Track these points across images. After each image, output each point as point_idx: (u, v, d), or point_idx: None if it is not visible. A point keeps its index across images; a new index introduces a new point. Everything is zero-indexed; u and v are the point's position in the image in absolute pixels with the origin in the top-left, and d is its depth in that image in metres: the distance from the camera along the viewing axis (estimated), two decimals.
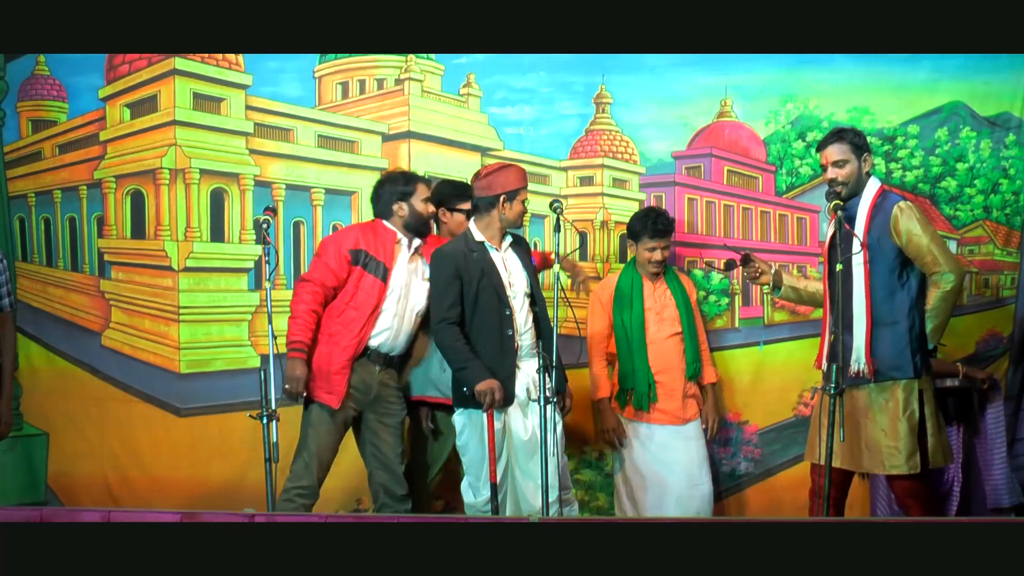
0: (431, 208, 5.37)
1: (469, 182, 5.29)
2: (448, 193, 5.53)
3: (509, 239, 5.18)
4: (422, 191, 5.34)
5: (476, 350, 5.03)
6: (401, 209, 5.29)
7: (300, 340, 5.12)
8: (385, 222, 5.35)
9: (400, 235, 5.28)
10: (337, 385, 5.16)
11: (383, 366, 5.28)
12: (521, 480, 5.05)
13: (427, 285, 5.27)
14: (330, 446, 5.23)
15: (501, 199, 5.08)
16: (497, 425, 5.02)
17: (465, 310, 5.08)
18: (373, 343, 5.21)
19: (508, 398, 5.03)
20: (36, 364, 6.35)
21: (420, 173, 5.62)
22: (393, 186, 5.35)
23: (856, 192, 4.92)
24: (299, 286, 5.25)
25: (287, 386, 5.08)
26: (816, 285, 5.33)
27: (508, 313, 5.05)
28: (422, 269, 5.32)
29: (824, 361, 4.91)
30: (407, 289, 5.28)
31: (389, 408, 5.31)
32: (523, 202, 5.12)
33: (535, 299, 5.18)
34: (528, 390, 5.03)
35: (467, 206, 5.40)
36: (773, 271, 5.31)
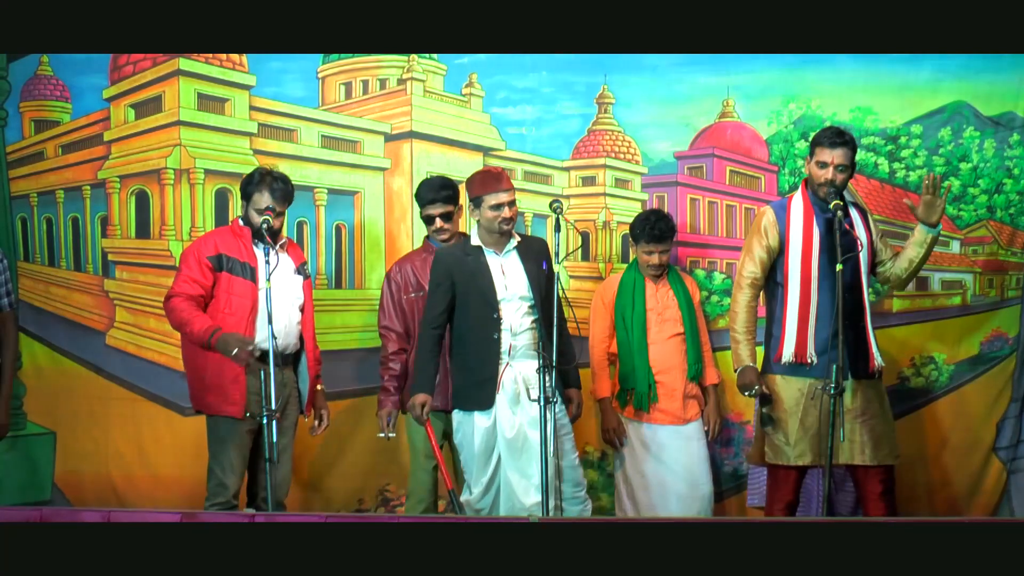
0: (271, 220, 5.10)
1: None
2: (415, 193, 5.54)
3: (514, 241, 5.17)
4: (259, 200, 5.16)
5: (460, 351, 5.12)
6: (243, 209, 5.23)
7: (208, 325, 5.05)
8: (241, 221, 5.28)
9: (253, 234, 5.18)
10: (234, 394, 5.08)
11: (280, 366, 5.13)
12: (510, 477, 5.05)
13: (300, 278, 5.29)
14: (241, 456, 5.17)
15: (469, 206, 5.16)
16: (487, 423, 5.05)
17: (457, 311, 5.13)
18: (263, 345, 5.07)
19: (489, 399, 5.05)
20: (41, 363, 6.36)
21: (427, 174, 5.57)
22: (244, 185, 5.27)
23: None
24: (168, 304, 5.16)
25: (236, 351, 4.99)
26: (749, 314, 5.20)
27: (496, 316, 5.06)
28: (289, 262, 5.26)
29: (812, 355, 4.97)
30: (284, 283, 5.17)
31: (285, 411, 5.20)
32: (493, 207, 5.05)
33: (537, 302, 5.15)
34: (527, 391, 5.03)
35: (428, 211, 5.38)
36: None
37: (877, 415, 5.00)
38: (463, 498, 5.14)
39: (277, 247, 5.17)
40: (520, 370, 5.08)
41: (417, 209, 5.60)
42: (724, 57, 5.88)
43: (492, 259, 5.15)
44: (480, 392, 5.07)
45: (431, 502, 5.45)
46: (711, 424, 5.71)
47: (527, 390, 5.04)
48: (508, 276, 5.13)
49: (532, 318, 5.11)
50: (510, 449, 5.03)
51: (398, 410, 5.37)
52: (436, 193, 5.39)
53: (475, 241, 5.17)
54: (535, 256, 5.20)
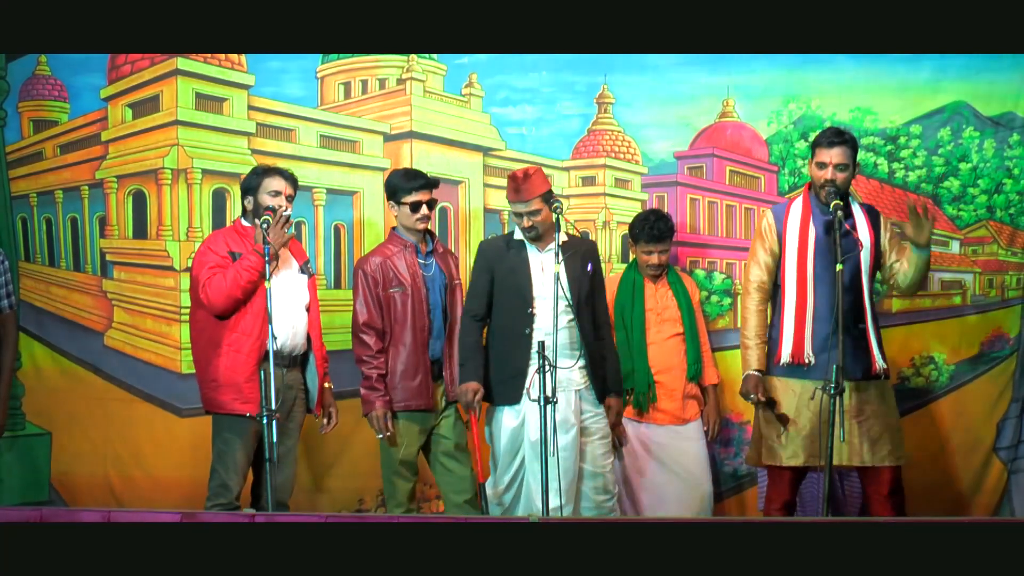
0: (284, 203, 5.10)
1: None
2: (390, 184, 5.37)
3: (559, 239, 5.05)
4: (269, 183, 5.11)
5: (493, 343, 5.11)
6: (250, 203, 5.16)
7: (246, 256, 4.98)
8: (243, 220, 5.22)
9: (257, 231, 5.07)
10: (250, 392, 4.99)
11: (287, 367, 5.15)
12: (531, 480, 5.03)
13: (304, 277, 5.24)
14: (247, 457, 5.13)
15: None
16: (515, 423, 5.03)
17: (494, 304, 5.14)
18: (275, 345, 4.92)
19: (516, 395, 5.04)
20: (40, 364, 6.35)
21: (425, 170, 5.48)
22: (246, 181, 5.22)
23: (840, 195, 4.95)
24: (205, 291, 5.01)
25: (275, 229, 4.93)
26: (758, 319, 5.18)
27: (530, 312, 5.01)
28: (292, 260, 5.22)
29: (809, 355, 4.96)
30: (288, 283, 5.15)
31: (291, 412, 5.18)
32: (515, 215, 5.08)
33: (578, 305, 5.08)
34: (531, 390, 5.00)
35: (416, 197, 5.24)
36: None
37: (877, 416, 4.98)
38: (488, 492, 5.12)
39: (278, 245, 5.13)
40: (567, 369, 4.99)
41: None
42: (724, 57, 5.88)
43: (533, 255, 5.11)
44: (509, 387, 5.06)
45: (409, 507, 5.32)
46: (710, 424, 5.72)
47: (554, 391, 4.99)
48: (547, 273, 5.05)
49: (568, 317, 5.05)
50: (534, 452, 4.97)
51: (389, 408, 5.20)
52: (426, 179, 5.28)
53: (519, 235, 5.15)
54: (581, 256, 5.13)
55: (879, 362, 4.96)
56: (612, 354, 5.29)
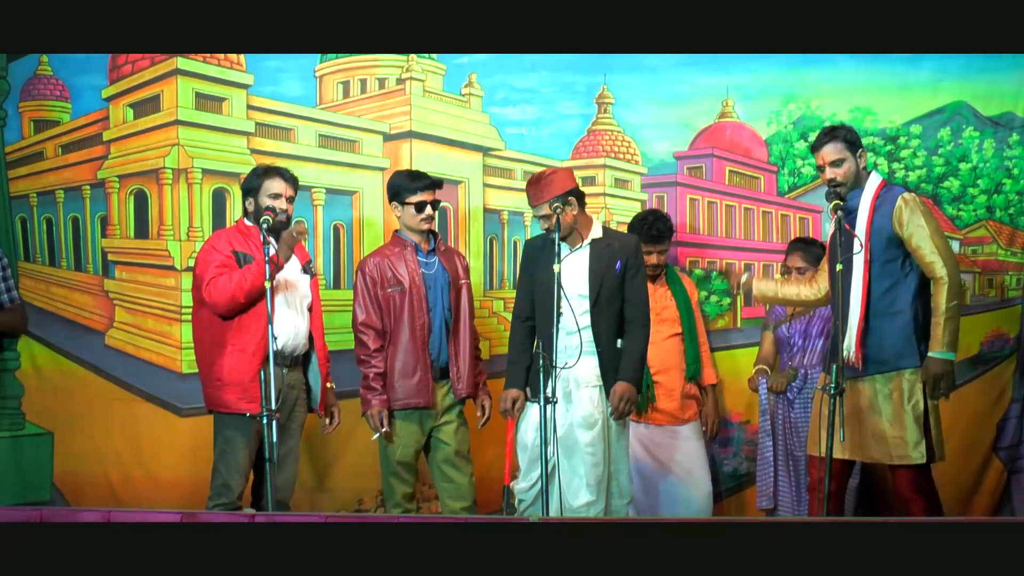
0: (284, 205, 5.10)
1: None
2: (394, 185, 5.33)
3: (594, 236, 5.05)
4: (270, 186, 5.11)
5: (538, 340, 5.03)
6: (251, 205, 5.15)
7: (253, 262, 4.98)
8: (246, 220, 5.21)
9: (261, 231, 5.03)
10: (255, 391, 4.91)
11: (289, 368, 5.16)
12: (560, 477, 4.98)
13: (307, 276, 5.26)
14: (249, 457, 5.12)
15: None
16: (539, 418, 4.86)
17: (535, 302, 5.10)
18: (276, 345, 4.85)
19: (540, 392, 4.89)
20: (40, 363, 6.35)
21: (426, 170, 5.47)
22: (247, 182, 5.21)
23: (855, 188, 4.88)
24: (209, 288, 5.00)
25: (293, 235, 4.97)
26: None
27: (556, 311, 4.94)
28: (295, 260, 5.21)
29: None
30: (291, 282, 5.15)
31: (293, 412, 5.20)
32: (537, 217, 5.04)
33: (595, 304, 5.02)
34: (576, 389, 4.97)
35: (421, 197, 5.23)
36: (744, 279, 5.30)
37: (874, 413, 4.86)
38: (518, 483, 5.06)
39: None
40: (573, 367, 4.93)
41: None
42: (724, 57, 5.89)
43: (565, 252, 5.00)
44: (535, 385, 4.92)
45: (407, 508, 5.31)
46: (709, 424, 5.72)
47: (576, 388, 4.96)
48: (570, 271, 4.99)
49: (585, 317, 4.98)
50: (560, 447, 4.91)
51: (386, 407, 5.20)
52: (430, 179, 5.26)
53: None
54: (611, 254, 5.03)
55: (845, 352, 4.76)
56: (635, 342, 5.04)
